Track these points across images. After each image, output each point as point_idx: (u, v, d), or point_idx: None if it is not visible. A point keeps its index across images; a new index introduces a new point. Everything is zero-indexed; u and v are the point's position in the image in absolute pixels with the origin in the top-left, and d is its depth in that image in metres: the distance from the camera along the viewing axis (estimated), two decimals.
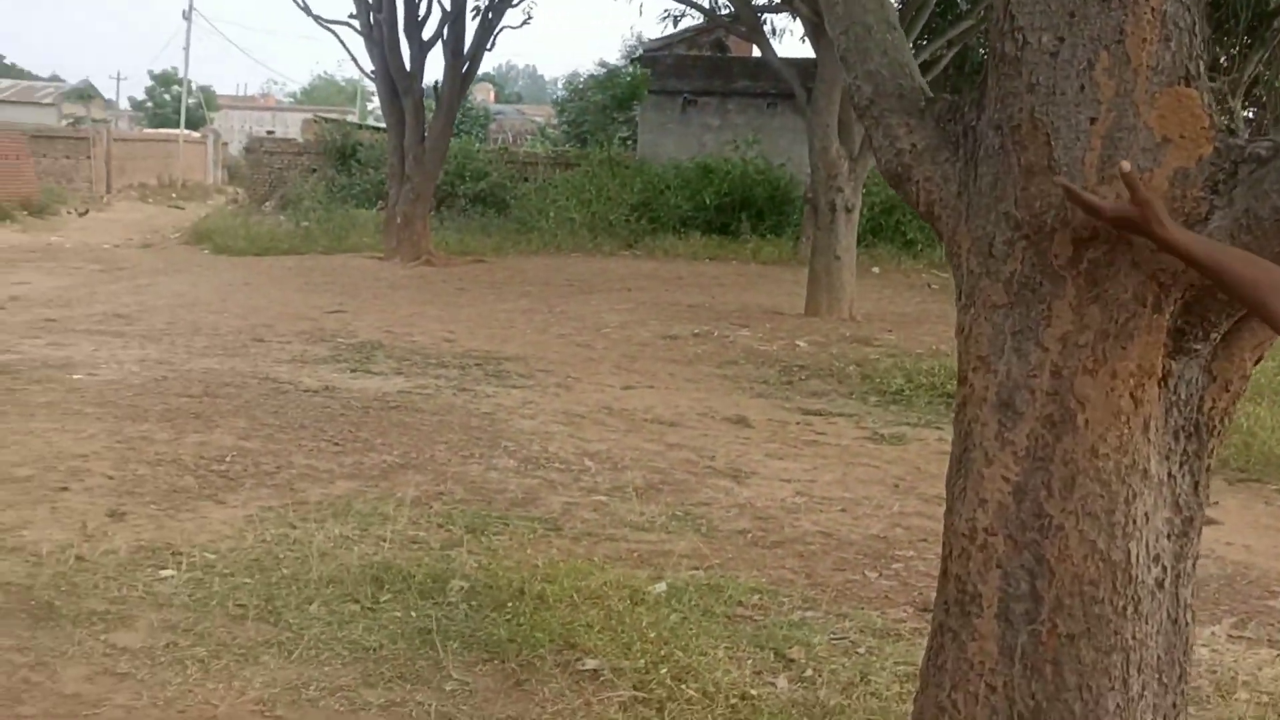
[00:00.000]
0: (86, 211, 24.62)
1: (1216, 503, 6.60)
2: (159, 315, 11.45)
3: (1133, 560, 2.08)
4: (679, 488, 6.41)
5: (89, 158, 29.50)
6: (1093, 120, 2.02)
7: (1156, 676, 2.13)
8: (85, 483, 5.80)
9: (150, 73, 75.51)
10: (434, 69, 35.86)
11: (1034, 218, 2.10)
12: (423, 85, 18.47)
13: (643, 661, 3.89)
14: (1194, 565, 2.19)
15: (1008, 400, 2.16)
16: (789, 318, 13.28)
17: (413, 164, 17.86)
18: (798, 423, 8.38)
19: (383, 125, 21.55)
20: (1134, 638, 2.10)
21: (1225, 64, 16.10)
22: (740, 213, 21.72)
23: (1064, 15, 2.03)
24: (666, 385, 9.51)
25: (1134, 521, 2.08)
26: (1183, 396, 2.09)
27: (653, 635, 4.08)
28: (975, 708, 2.21)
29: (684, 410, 8.54)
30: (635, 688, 3.76)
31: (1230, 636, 4.46)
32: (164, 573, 4.63)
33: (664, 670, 3.83)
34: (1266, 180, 1.89)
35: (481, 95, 44.62)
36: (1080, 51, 2.02)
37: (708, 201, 21.81)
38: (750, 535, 5.63)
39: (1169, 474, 2.11)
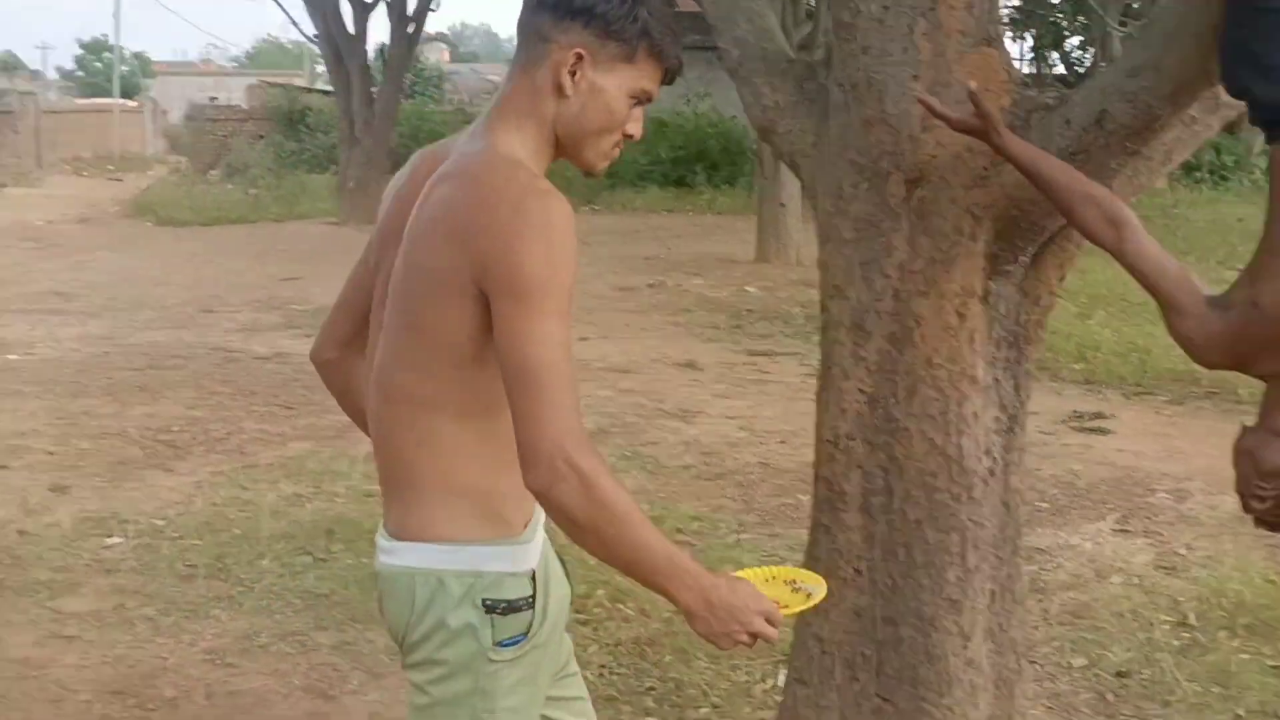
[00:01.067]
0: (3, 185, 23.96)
1: (1114, 415, 7.09)
2: (100, 291, 11.32)
3: (965, 454, 2.44)
4: (629, 430, 6.73)
5: (15, 131, 28.05)
6: (915, 77, 2.35)
7: (992, 552, 2.50)
8: (25, 460, 5.86)
9: (79, 41, 73.06)
10: (380, 31, 35.58)
11: (872, 163, 2.43)
12: (367, 48, 18.52)
13: (583, 587, 4.22)
14: (1021, 457, 2.55)
15: (859, 322, 2.50)
16: (740, 265, 13.62)
17: (362, 128, 17.93)
18: (744, 363, 8.74)
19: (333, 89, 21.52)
20: (970, 520, 2.46)
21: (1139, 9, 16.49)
22: (695, 165, 21.97)
23: None
24: (622, 335, 9.81)
25: (965, 420, 2.44)
26: (1001, 311, 2.45)
27: (593, 562, 4.40)
28: (845, 589, 2.57)
29: (637, 358, 8.85)
30: (575, 611, 4.08)
31: (1114, 531, 4.90)
32: (110, 540, 4.77)
33: (601, 593, 4.17)
34: (1053, 125, 2.25)
35: (435, 56, 44.42)
36: (902, 18, 2.35)
37: (663, 155, 22.02)
38: (694, 470, 5.97)
39: (994, 379, 2.46)
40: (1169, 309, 2.10)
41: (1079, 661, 3.79)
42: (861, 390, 2.51)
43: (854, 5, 2.41)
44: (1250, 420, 2.09)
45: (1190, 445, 6.45)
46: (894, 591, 2.50)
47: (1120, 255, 2.10)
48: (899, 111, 2.37)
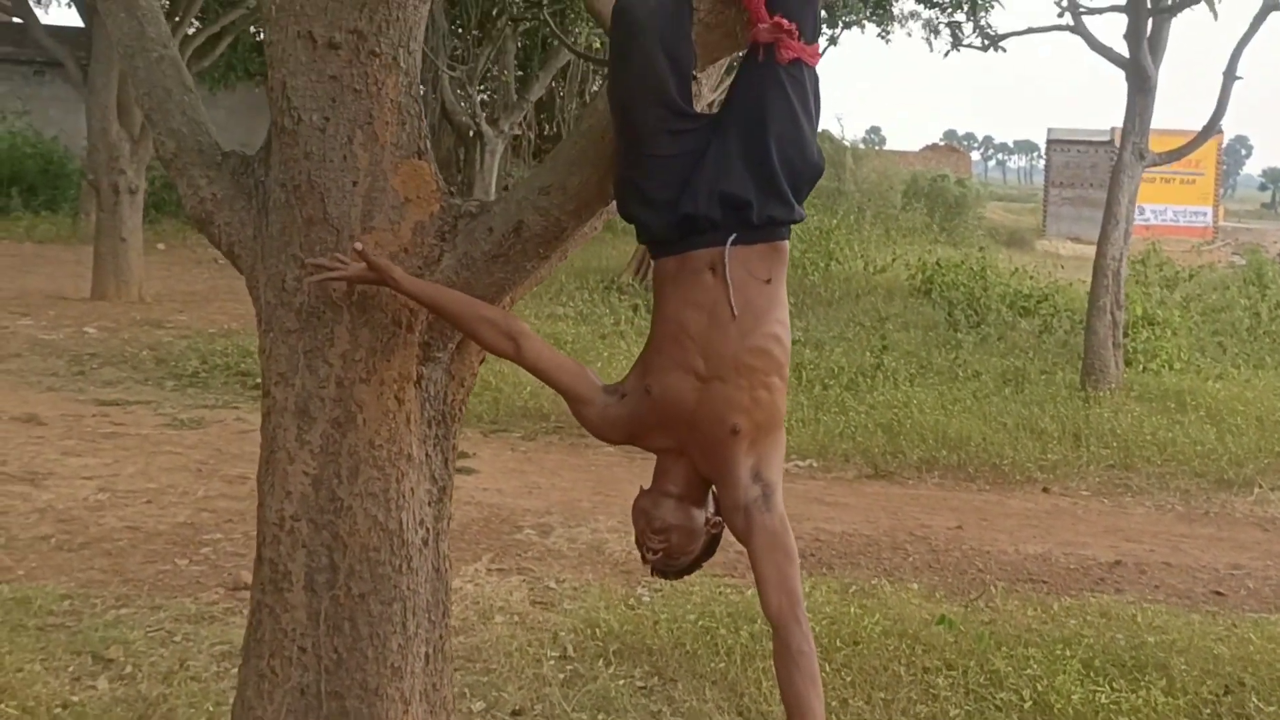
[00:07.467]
0: None
1: (475, 454, 7.68)
2: None
3: (404, 526, 2.66)
4: None
5: None
6: (354, 183, 2.54)
7: (427, 616, 2.74)
8: None
9: None
10: None
11: (315, 259, 2.57)
12: None
13: None
14: (449, 523, 2.82)
15: (304, 408, 2.62)
16: (74, 303, 12.66)
17: None
18: (94, 415, 8.21)
19: None
20: (409, 589, 2.68)
21: (462, 54, 18.01)
22: (10, 188, 20.00)
23: (327, 99, 2.53)
24: None
25: (404, 495, 2.66)
26: (432, 393, 2.71)
27: None
28: (290, 669, 2.67)
29: None
30: None
31: (489, 570, 5.36)
32: None
33: None
34: (476, 230, 2.59)
35: None
36: (342, 129, 2.53)
37: None
38: (54, 540, 5.55)
39: (426, 454, 2.72)
40: (573, 400, 2.50)
41: (478, 705, 4.07)
42: (306, 473, 2.62)
43: (295, 114, 2.54)
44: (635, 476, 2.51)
45: (545, 480, 7.16)
46: (339, 666, 2.64)
47: (521, 362, 2.50)
48: (340, 213, 2.55)
